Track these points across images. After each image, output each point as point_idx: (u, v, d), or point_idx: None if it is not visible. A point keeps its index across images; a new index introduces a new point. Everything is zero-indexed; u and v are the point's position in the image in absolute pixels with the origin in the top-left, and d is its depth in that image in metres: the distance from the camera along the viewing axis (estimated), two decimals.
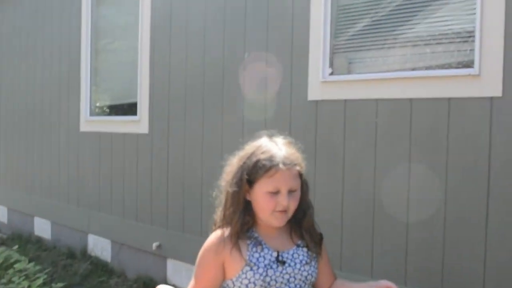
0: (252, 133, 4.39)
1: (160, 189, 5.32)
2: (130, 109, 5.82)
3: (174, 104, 5.16)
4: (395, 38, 3.63)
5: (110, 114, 6.38)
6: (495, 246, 3.06)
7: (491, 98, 3.06)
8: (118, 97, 6.42)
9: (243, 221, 2.00)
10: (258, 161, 1.97)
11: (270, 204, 1.95)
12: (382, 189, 3.56)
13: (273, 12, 4.26)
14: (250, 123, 4.38)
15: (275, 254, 1.98)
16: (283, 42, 4.16)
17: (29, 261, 5.27)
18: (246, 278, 1.95)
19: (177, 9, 5.13)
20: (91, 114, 6.38)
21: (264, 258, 1.97)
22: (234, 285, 1.98)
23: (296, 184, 1.98)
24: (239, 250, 1.97)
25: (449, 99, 3.23)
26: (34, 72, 7.44)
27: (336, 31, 3.91)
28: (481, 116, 3.10)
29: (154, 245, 5.29)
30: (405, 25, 3.59)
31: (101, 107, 6.45)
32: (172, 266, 5.21)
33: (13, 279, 4.56)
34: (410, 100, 3.42)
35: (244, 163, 2.01)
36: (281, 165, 1.94)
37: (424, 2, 3.48)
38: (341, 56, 3.93)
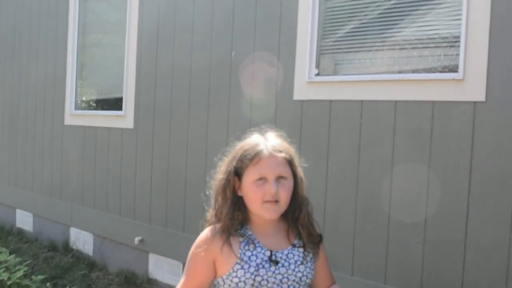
0: (237, 131, 4.42)
1: (144, 184, 5.32)
2: (115, 104, 5.81)
3: (160, 100, 5.17)
4: (382, 41, 3.67)
5: (96, 108, 6.36)
6: (474, 246, 3.12)
7: (475, 103, 3.11)
8: (104, 91, 6.40)
9: (232, 216, 1.96)
10: (243, 152, 1.97)
11: (258, 193, 1.91)
12: (365, 189, 3.60)
13: (261, 12, 4.29)
14: (236, 121, 4.41)
15: (268, 253, 1.93)
16: (270, 42, 4.19)
17: (10, 253, 5.23)
18: (236, 276, 1.90)
19: (165, 6, 5.14)
20: (76, 108, 6.37)
21: (256, 257, 1.92)
22: (224, 283, 1.94)
23: (284, 171, 1.94)
24: (230, 246, 1.93)
25: (433, 102, 3.28)
26: (20, 65, 7.39)
27: (323, 33, 3.95)
28: (464, 120, 3.15)
29: (137, 239, 5.30)
30: (392, 28, 3.64)
31: (86, 101, 6.43)
32: (154, 261, 5.22)
33: None
34: (395, 102, 3.46)
35: (233, 157, 2.00)
36: (264, 151, 1.93)
37: (411, 6, 3.52)
38: (327, 57, 3.97)
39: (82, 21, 6.35)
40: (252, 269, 1.90)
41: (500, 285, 3.01)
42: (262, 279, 1.90)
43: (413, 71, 3.50)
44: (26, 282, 4.44)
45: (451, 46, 3.31)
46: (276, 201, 1.92)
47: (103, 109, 6.24)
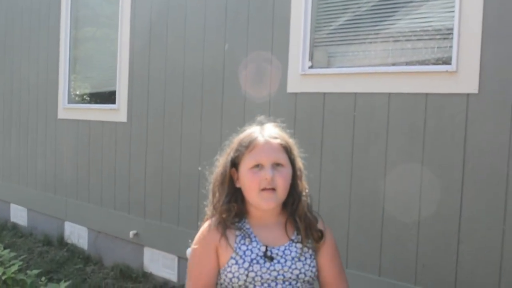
0: (230, 125, 4.41)
1: (138, 178, 5.32)
2: (109, 97, 5.79)
3: (154, 93, 5.15)
4: (375, 33, 3.66)
5: (89, 102, 6.34)
6: (467, 239, 3.13)
7: (468, 95, 3.12)
8: (97, 85, 6.38)
9: (228, 207, 1.93)
10: (239, 141, 1.97)
11: (254, 181, 1.88)
12: (360, 181, 3.61)
13: (254, 5, 4.28)
14: (229, 114, 4.41)
15: (263, 248, 1.89)
16: (263, 34, 4.18)
17: (5, 248, 5.21)
18: (230, 271, 1.87)
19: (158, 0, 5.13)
20: (70, 101, 6.34)
21: (251, 252, 1.88)
22: (220, 278, 1.93)
23: (280, 158, 1.91)
24: (227, 239, 1.89)
25: (427, 94, 3.28)
26: (12, 59, 7.35)
27: (316, 25, 3.94)
28: (457, 112, 3.16)
29: (131, 233, 5.30)
30: (385, 20, 3.63)
31: (80, 95, 6.41)
32: (149, 254, 5.22)
33: None
34: (389, 94, 3.46)
35: (231, 149, 1.99)
36: (259, 138, 1.92)
37: None
38: (321, 50, 3.97)
39: (74, 14, 6.32)
40: (246, 264, 1.86)
41: (494, 277, 3.02)
42: (256, 275, 1.85)
43: (407, 63, 3.50)
44: (21, 276, 4.42)
45: (444, 38, 3.31)
46: (273, 189, 1.88)
47: (96, 102, 6.22)
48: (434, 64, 3.35)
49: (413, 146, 3.35)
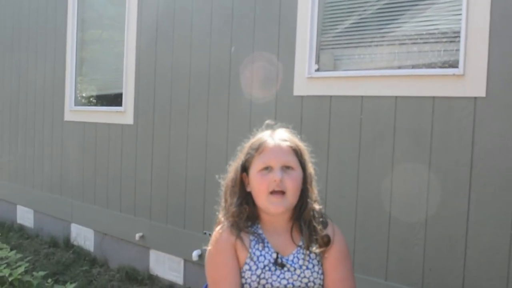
0: (236, 127, 4.42)
1: (144, 180, 5.32)
2: (115, 99, 5.80)
3: (160, 96, 5.16)
4: (382, 36, 3.66)
5: (95, 104, 6.35)
6: (475, 243, 3.12)
7: (475, 98, 3.11)
8: (103, 87, 6.40)
9: (239, 209, 1.90)
10: (250, 145, 1.96)
11: (263, 183, 1.85)
12: (366, 184, 3.60)
13: (260, 7, 4.28)
14: (235, 117, 4.41)
15: (274, 255, 1.86)
16: (270, 37, 4.18)
17: (11, 249, 5.22)
18: (243, 277, 1.85)
19: (164, 1, 5.12)
20: (76, 104, 6.36)
21: (264, 258, 1.86)
22: None
23: (290, 161, 1.89)
24: (242, 241, 1.87)
25: (434, 98, 3.28)
26: (19, 62, 7.37)
27: (323, 28, 3.94)
28: (464, 115, 3.15)
29: (137, 235, 5.30)
30: (392, 23, 3.63)
31: (86, 97, 6.43)
32: (155, 257, 5.22)
33: None
34: (395, 97, 3.45)
35: (242, 154, 1.98)
36: (269, 141, 1.91)
37: (411, 1, 3.51)
38: (327, 53, 3.96)
39: (81, 16, 6.34)
40: (258, 271, 1.84)
41: (501, 282, 3.01)
42: (267, 283, 1.84)
43: (413, 67, 3.49)
44: (27, 278, 4.43)
45: (451, 42, 3.30)
46: (283, 192, 1.85)
47: (102, 105, 6.23)
48: (440, 67, 3.35)
49: (420, 150, 3.34)
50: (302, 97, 3.96)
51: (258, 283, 1.83)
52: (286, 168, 1.87)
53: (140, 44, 5.38)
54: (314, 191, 1.99)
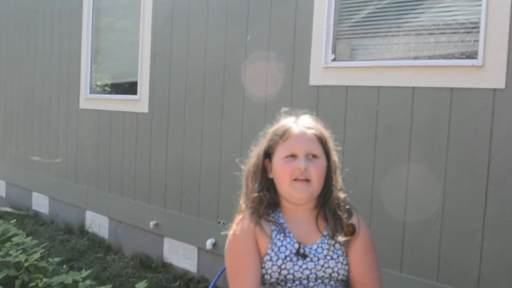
0: (251, 117, 4.40)
1: (159, 168, 5.34)
2: (130, 88, 5.82)
3: (175, 84, 5.16)
4: (399, 26, 3.63)
5: (110, 92, 6.37)
6: (491, 236, 3.10)
7: (494, 90, 3.07)
8: (118, 76, 6.41)
9: (260, 196, 1.86)
10: (274, 131, 1.92)
11: (287, 170, 1.82)
12: (381, 176, 3.59)
13: None
14: (251, 106, 4.40)
15: (296, 245, 1.81)
16: (286, 26, 4.16)
17: (27, 235, 5.27)
18: (264, 267, 1.81)
19: None
20: (91, 92, 6.39)
21: (286, 248, 1.81)
22: None
23: (315, 149, 1.85)
24: (262, 228, 1.83)
25: (452, 89, 3.25)
26: (34, 50, 7.41)
27: (339, 18, 3.91)
28: (483, 107, 3.12)
29: (152, 223, 5.33)
30: (409, 13, 3.59)
31: (101, 86, 6.45)
32: (169, 245, 5.25)
33: (10, 252, 4.56)
34: (413, 88, 3.43)
35: (265, 140, 1.94)
36: (294, 127, 1.87)
37: None
38: (344, 43, 3.94)
39: (96, 4, 6.34)
40: (279, 262, 1.80)
41: None
42: (288, 273, 1.80)
43: (429, 57, 3.46)
44: (43, 264, 4.48)
45: (468, 32, 3.27)
46: (307, 180, 1.82)
47: (117, 93, 6.24)
48: (457, 58, 3.31)
49: (437, 141, 3.31)
50: (318, 87, 3.94)
51: (279, 273, 1.79)
52: (310, 156, 1.84)
53: (155, 33, 5.38)
54: (339, 179, 1.94)
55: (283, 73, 4.18)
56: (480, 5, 3.14)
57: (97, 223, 6.21)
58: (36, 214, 7.29)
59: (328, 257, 1.82)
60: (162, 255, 5.32)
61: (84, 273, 4.25)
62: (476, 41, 3.18)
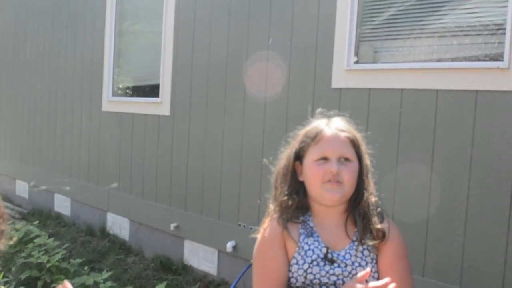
0: (272, 119, 4.37)
1: (180, 171, 5.35)
2: (152, 90, 5.85)
3: (197, 87, 5.17)
4: (421, 28, 3.60)
5: (132, 95, 6.41)
6: None
7: None
8: (140, 78, 6.45)
9: (289, 199, 1.83)
10: (305, 133, 1.88)
11: (318, 172, 1.78)
12: (404, 178, 3.55)
13: None
14: (272, 109, 4.39)
15: (324, 250, 1.77)
16: (309, 28, 4.15)
17: (49, 237, 5.31)
18: (290, 271, 1.78)
19: None
20: (114, 94, 6.43)
21: (313, 252, 1.77)
22: None
23: (348, 152, 1.81)
24: (289, 232, 1.80)
25: (477, 91, 3.21)
26: (58, 52, 7.48)
27: (362, 20, 3.89)
28: (508, 110, 3.08)
29: (172, 225, 5.34)
30: (432, 15, 3.56)
31: (123, 88, 6.49)
32: (189, 247, 5.25)
33: (33, 253, 4.61)
34: (437, 91, 3.39)
35: (296, 141, 1.90)
36: (326, 130, 1.83)
37: None
38: (366, 45, 3.91)
39: (119, 8, 6.39)
40: (305, 266, 1.76)
41: None
42: (314, 278, 1.76)
43: (452, 60, 3.43)
44: (64, 265, 4.52)
45: (493, 34, 3.23)
46: (339, 182, 1.77)
47: (139, 96, 6.28)
48: (481, 60, 3.27)
49: (462, 144, 3.27)
50: (340, 89, 3.92)
51: (305, 277, 1.76)
52: (343, 159, 1.80)
53: (177, 36, 5.40)
54: (370, 183, 1.89)
55: (305, 76, 4.16)
56: (506, 6, 3.10)
57: (118, 225, 6.24)
58: (58, 216, 7.35)
59: (356, 264, 1.77)
60: (182, 257, 5.32)
61: (105, 274, 4.27)
62: (501, 43, 3.14)
